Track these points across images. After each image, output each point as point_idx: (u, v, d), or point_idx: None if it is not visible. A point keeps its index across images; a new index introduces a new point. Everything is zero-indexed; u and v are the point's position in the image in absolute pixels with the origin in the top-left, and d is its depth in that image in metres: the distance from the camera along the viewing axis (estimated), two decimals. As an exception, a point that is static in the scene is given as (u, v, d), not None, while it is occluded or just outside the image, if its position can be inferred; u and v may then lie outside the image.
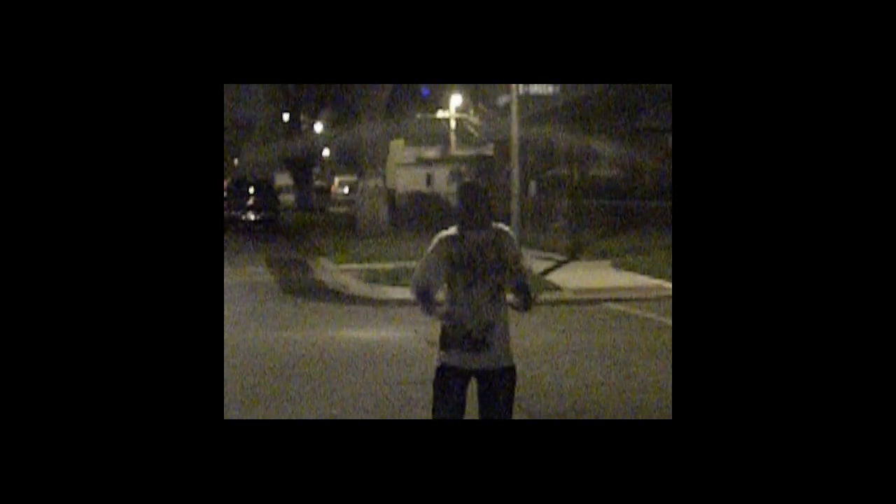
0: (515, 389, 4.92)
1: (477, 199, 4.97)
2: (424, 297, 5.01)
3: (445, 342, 4.90)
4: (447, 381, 4.85)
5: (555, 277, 16.67)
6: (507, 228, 5.10)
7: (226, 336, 10.93)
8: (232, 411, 7.23)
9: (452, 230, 5.02)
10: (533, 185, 30.87)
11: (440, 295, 4.98)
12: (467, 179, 5.24)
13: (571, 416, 7.61)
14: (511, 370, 4.92)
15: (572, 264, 19.15)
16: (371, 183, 26.35)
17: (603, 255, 20.37)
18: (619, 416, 7.61)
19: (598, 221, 25.55)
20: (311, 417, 7.49)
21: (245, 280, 17.62)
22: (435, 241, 5.03)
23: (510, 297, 4.98)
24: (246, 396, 8.20)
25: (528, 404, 7.80)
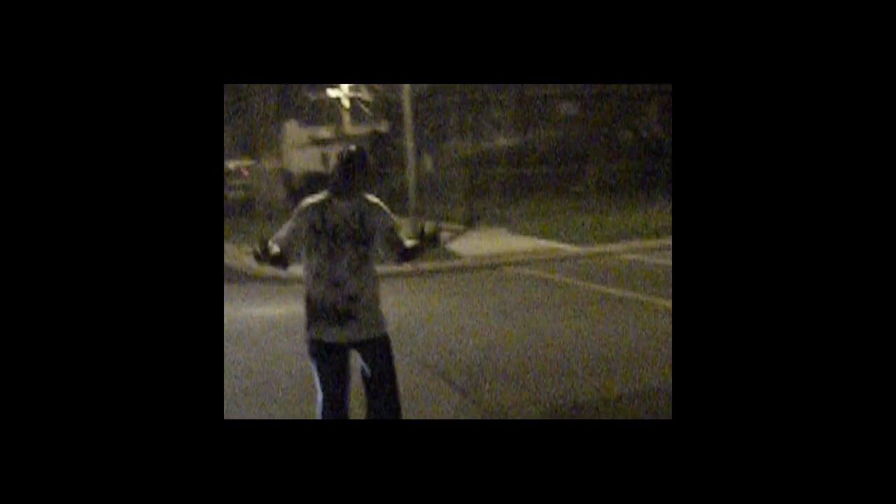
0: (392, 357, 4.85)
1: (352, 167, 4.78)
2: (264, 252, 4.70)
3: (310, 315, 4.78)
4: (321, 355, 4.75)
5: (455, 246, 17.07)
6: (377, 200, 4.90)
7: None
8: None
9: (319, 197, 4.86)
10: (428, 158, 31.18)
11: (296, 261, 4.83)
12: (351, 147, 4.92)
13: (476, 371, 7.98)
14: (382, 339, 4.83)
15: (471, 233, 19.58)
16: (267, 165, 26.38)
17: (500, 222, 20.87)
18: (523, 366, 8.02)
19: (494, 190, 26.04)
20: (226, 389, 7.74)
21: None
22: (300, 207, 4.85)
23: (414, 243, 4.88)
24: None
25: (434, 363, 8.14)
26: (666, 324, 8.57)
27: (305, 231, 4.75)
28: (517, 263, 15.32)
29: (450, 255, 15.86)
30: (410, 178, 16.90)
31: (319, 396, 4.77)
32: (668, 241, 13.82)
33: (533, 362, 8.24)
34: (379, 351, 4.82)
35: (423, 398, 6.98)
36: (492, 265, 15.23)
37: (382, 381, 4.79)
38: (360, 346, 4.77)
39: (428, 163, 30.99)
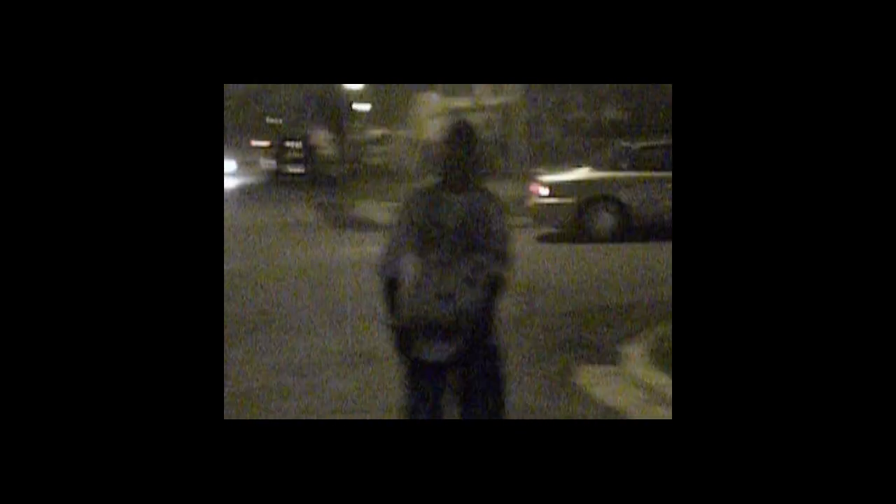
0: (500, 368, 4.09)
1: (463, 149, 3.93)
2: (388, 292, 4.01)
3: (405, 332, 3.97)
4: (419, 373, 4.02)
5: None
6: (496, 197, 4.08)
7: (270, 255, 14.22)
8: (273, 308, 10.10)
9: (426, 186, 4.06)
10: (550, 128, 33.37)
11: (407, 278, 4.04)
12: (456, 122, 4.09)
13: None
14: (492, 349, 4.05)
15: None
16: (402, 134, 29.09)
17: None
18: (538, 285, 10.32)
19: (605, 158, 28.11)
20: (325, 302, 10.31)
21: (290, 219, 20.62)
22: (404, 199, 4.07)
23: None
24: (280, 291, 11.10)
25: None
26: (661, 259, 11.00)
27: (411, 230, 3.96)
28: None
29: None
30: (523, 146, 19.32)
31: (409, 414, 4.09)
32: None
33: (546, 283, 10.54)
34: (487, 362, 4.05)
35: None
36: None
37: (485, 391, 4.05)
38: (465, 358, 3.99)
39: (550, 132, 33.16)
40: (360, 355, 7.64)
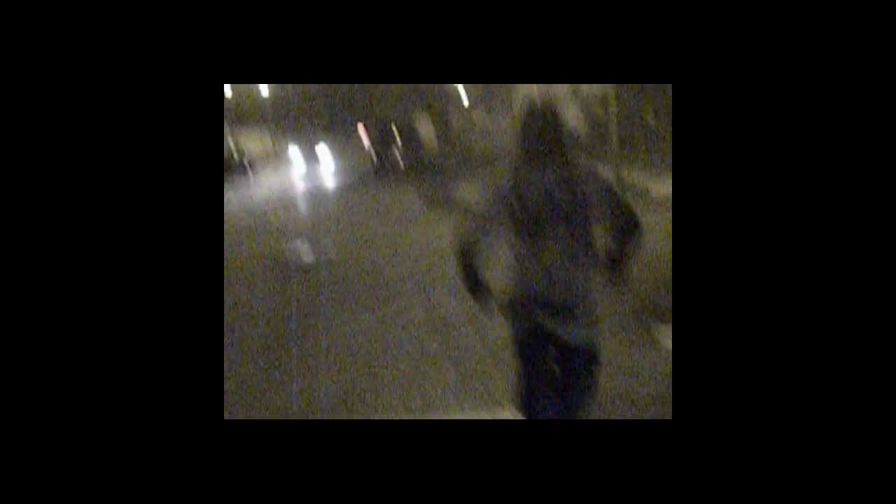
0: (596, 381, 4.09)
1: (543, 126, 3.92)
2: (468, 274, 4.01)
3: (518, 305, 3.99)
4: (532, 346, 4.01)
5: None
6: (591, 164, 4.00)
7: (371, 239, 15.33)
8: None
9: (510, 169, 3.98)
10: (649, 118, 33.51)
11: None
12: (530, 101, 4.11)
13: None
14: (591, 354, 4.02)
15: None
16: (503, 120, 29.37)
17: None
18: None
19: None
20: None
21: (391, 203, 21.41)
22: (486, 183, 4.02)
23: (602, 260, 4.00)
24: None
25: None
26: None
27: (499, 214, 3.93)
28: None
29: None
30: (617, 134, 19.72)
31: (523, 391, 4.15)
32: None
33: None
34: (582, 364, 4.05)
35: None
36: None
37: (575, 401, 4.13)
38: (565, 349, 4.01)
39: (646, 122, 33.35)
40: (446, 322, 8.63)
